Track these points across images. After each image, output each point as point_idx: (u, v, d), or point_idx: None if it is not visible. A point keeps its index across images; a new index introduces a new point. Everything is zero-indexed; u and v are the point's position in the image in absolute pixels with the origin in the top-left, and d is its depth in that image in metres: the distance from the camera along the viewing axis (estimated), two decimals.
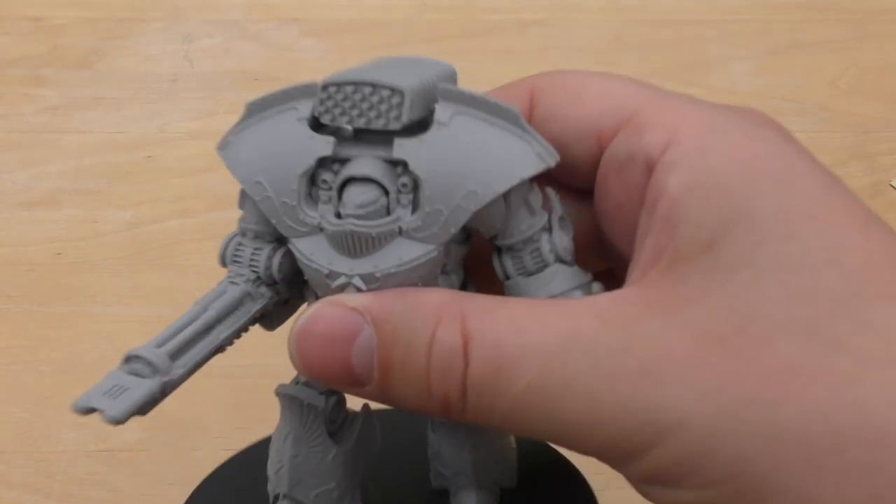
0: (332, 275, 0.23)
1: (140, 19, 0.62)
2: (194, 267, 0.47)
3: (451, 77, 0.24)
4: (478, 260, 0.25)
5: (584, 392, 0.20)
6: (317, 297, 0.24)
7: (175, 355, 0.23)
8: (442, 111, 0.22)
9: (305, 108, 0.23)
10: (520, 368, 0.21)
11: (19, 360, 0.43)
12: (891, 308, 0.20)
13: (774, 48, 0.62)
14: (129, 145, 0.54)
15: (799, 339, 0.19)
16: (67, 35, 0.60)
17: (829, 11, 0.64)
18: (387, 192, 0.23)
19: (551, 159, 0.23)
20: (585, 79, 0.25)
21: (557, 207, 0.24)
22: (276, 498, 0.28)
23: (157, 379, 0.22)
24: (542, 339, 0.21)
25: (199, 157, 0.53)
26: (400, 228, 0.23)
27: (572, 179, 0.26)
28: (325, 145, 0.23)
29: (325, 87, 0.22)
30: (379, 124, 0.22)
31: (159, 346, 0.23)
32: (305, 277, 0.24)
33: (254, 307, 0.25)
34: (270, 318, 0.26)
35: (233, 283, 0.25)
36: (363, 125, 0.22)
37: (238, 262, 0.25)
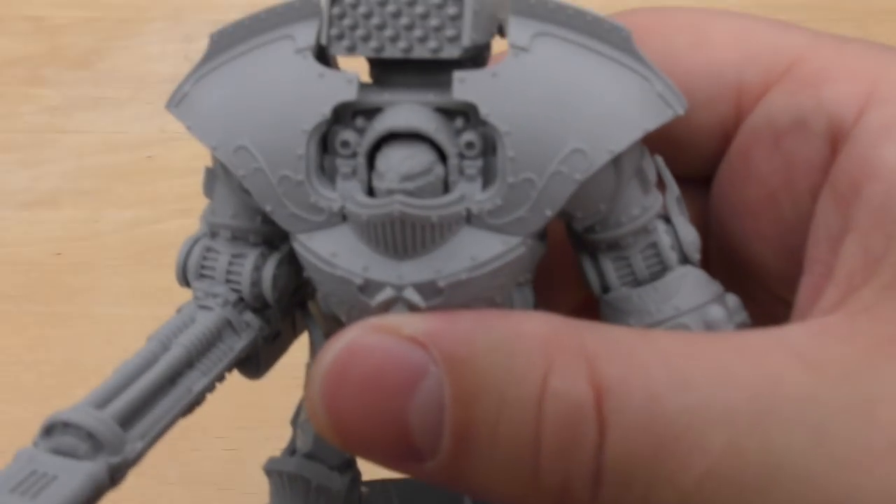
0: (371, 286, 0.15)
1: (140, 19, 0.61)
2: None
3: None
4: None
5: (806, 479, 0.13)
6: (337, 326, 0.16)
7: (127, 420, 0.15)
8: (518, 30, 0.14)
9: (306, 34, 0.15)
10: (695, 443, 0.14)
11: (19, 360, 0.43)
12: None
13: None
14: (130, 145, 0.54)
15: None
16: (67, 35, 0.60)
17: (830, 11, 0.64)
18: (443, 157, 0.15)
19: (679, 105, 0.15)
20: (709, 17, 0.18)
21: (672, 184, 0.17)
22: None
23: (101, 460, 0.14)
24: (726, 396, 0.14)
25: (200, 157, 0.52)
26: (468, 212, 0.15)
27: (680, 157, 0.18)
28: (344, 86, 0.15)
29: (334, 0, 0.14)
30: (426, 50, 0.14)
31: (100, 405, 0.15)
32: (320, 294, 0.16)
33: (237, 344, 0.17)
34: (256, 359, 0.18)
35: (203, 307, 0.17)
36: (401, 53, 0.14)
37: (208, 275, 0.17)
